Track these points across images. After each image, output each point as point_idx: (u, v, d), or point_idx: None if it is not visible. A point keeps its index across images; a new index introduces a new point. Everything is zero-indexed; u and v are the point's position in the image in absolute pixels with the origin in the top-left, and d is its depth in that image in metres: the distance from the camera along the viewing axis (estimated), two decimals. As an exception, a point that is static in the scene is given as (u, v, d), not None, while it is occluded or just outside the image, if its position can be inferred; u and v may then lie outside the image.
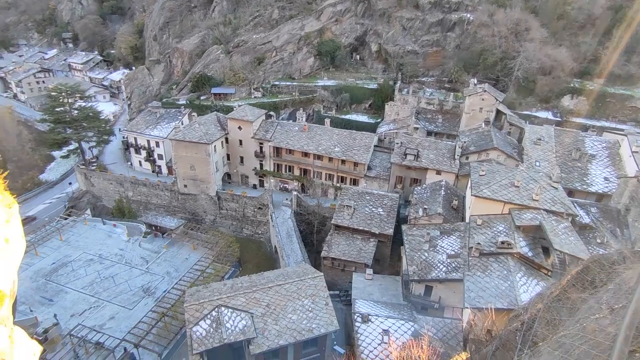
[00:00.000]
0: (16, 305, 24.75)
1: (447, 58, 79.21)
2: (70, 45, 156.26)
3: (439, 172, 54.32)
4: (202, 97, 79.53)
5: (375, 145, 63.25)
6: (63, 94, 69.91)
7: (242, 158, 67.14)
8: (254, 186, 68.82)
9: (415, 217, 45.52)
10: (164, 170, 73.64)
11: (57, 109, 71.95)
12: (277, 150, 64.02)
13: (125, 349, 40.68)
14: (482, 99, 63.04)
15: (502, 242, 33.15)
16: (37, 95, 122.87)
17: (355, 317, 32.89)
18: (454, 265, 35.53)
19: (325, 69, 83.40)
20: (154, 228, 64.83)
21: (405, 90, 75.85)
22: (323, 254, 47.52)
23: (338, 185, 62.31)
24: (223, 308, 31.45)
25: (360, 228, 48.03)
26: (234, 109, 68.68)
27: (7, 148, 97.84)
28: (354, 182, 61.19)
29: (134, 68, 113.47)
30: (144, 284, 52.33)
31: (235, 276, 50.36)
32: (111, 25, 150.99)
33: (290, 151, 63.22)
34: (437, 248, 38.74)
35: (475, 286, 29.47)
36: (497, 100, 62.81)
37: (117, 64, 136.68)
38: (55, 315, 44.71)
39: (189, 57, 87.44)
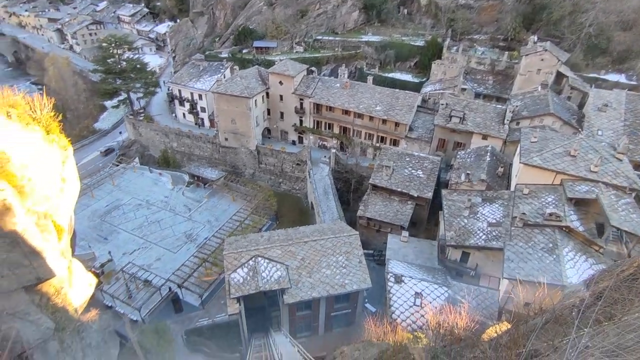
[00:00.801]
0: (75, 240, 26.91)
1: (505, 13, 72.34)
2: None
3: (485, 137, 51.51)
4: (244, 51, 78.81)
5: (418, 106, 60.59)
6: (113, 45, 71.76)
7: (282, 114, 66.97)
8: (293, 142, 69.04)
9: (456, 182, 43.99)
10: (207, 123, 75.27)
11: (107, 60, 74.25)
12: (318, 107, 63.10)
13: (170, 288, 44.04)
14: (542, 59, 57.65)
15: (550, 214, 31.38)
16: (90, 47, 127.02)
17: (389, 277, 33.21)
18: (494, 234, 34.41)
19: (370, 24, 79.25)
20: (196, 178, 67.37)
21: (455, 48, 70.84)
22: (359, 213, 47.66)
23: (377, 145, 61.06)
24: (260, 258, 32.79)
25: (399, 190, 47.30)
26: (276, 63, 67.63)
27: (65, 97, 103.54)
28: (394, 142, 59.63)
29: (178, 20, 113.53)
30: (187, 230, 55.33)
31: (271, 229, 51.92)
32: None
33: (331, 108, 62.10)
34: (478, 215, 37.50)
35: (517, 257, 28.49)
36: (559, 60, 57.21)
37: (162, 17, 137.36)
38: (109, 252, 48.83)
39: (232, 8, 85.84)
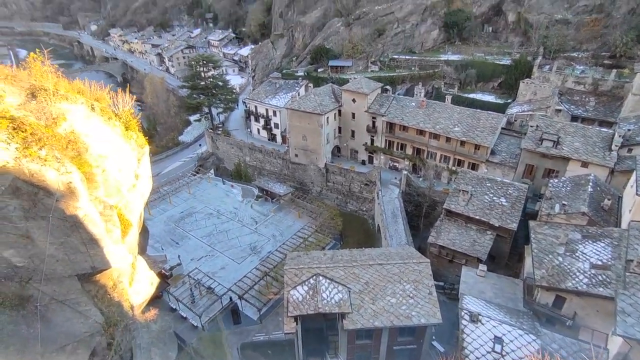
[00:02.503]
0: (147, 240, 27.25)
1: (611, 27, 64.15)
2: (211, 24, 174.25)
3: (585, 164, 44.79)
4: (319, 69, 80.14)
5: (502, 128, 55.38)
6: (200, 63, 77.76)
7: (353, 132, 65.86)
8: (363, 162, 67.26)
9: (548, 213, 38.30)
10: (279, 139, 77.00)
11: (194, 77, 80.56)
12: (391, 126, 60.87)
13: (230, 298, 44.00)
14: (660, 78, 49.34)
15: (680, 259, 25.13)
16: (183, 68, 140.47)
17: (463, 314, 29.08)
18: (600, 279, 28.60)
19: (451, 42, 75.83)
20: (265, 192, 68.59)
21: (548, 67, 64.21)
22: (430, 239, 43.75)
23: (454, 168, 56.64)
24: (321, 277, 30.94)
25: (477, 217, 42.63)
26: (350, 81, 67.28)
27: (157, 112, 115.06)
28: (473, 167, 54.77)
29: (260, 43, 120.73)
30: (252, 243, 55.82)
31: (335, 249, 50.07)
32: (244, 6, 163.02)
33: (405, 128, 59.44)
34: (577, 254, 31.75)
35: (636, 310, 22.93)
36: (683, 79, 48.49)
37: (246, 40, 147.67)
38: (179, 256, 50.78)
39: (310, 30, 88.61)
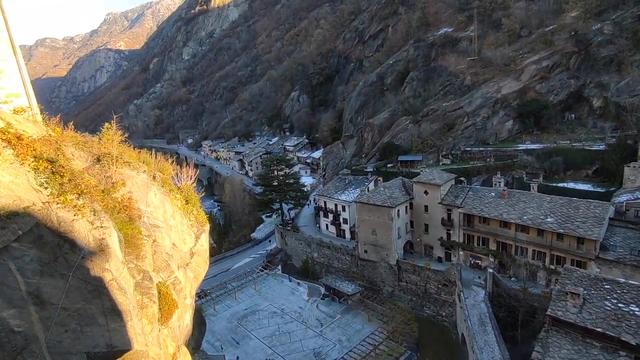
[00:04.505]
0: (203, 334, 24.33)
1: None
2: (288, 133, 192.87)
3: None
4: (388, 165, 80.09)
5: (610, 218, 46.89)
6: (273, 162, 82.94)
7: (426, 226, 61.18)
8: (439, 259, 60.69)
9: None
10: (347, 234, 74.50)
11: (269, 175, 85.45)
12: (469, 218, 55.44)
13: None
14: None
15: None
16: (261, 172, 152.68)
17: None
18: None
19: (528, 132, 72.01)
20: (332, 291, 64.12)
21: (655, 150, 56.22)
22: (535, 356, 34.54)
23: (552, 267, 47.82)
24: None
25: (598, 329, 33.30)
26: (420, 174, 65.25)
27: (233, 210, 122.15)
28: (579, 264, 45.64)
29: (330, 145, 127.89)
30: (316, 347, 50.09)
31: (411, 361, 42.28)
32: (317, 114, 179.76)
33: (485, 220, 53.59)
34: None
35: None
36: None
37: (318, 145, 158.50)
38: (237, 358, 46.56)
39: (379, 129, 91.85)
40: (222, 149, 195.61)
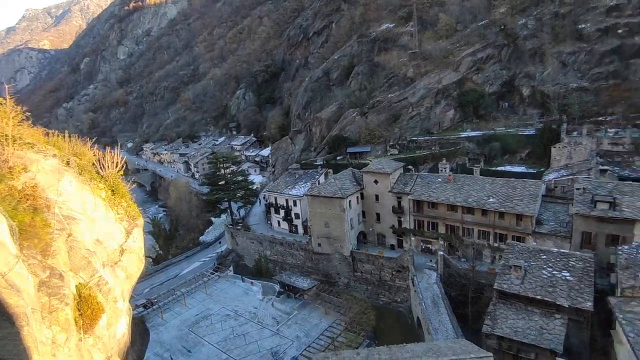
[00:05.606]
0: (146, 344, 21.70)
1: (633, 90, 62.67)
2: (235, 132, 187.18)
3: (656, 226, 38.24)
4: (338, 157, 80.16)
5: (543, 195, 50.28)
6: (220, 160, 79.54)
7: (378, 215, 61.77)
8: (392, 247, 61.59)
9: (632, 286, 31.02)
10: (300, 229, 73.33)
11: (215, 173, 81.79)
12: (418, 205, 56.73)
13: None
14: None
15: None
16: (207, 172, 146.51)
17: None
18: None
19: (468, 120, 75.72)
20: (287, 288, 62.63)
21: (576, 132, 61.54)
22: (485, 329, 35.83)
23: (496, 245, 50.29)
24: (356, 383, 24.03)
25: (538, 297, 35.27)
26: (370, 164, 65.80)
27: (180, 214, 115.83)
28: (519, 240, 48.31)
29: (279, 141, 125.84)
30: (273, 347, 48.38)
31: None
32: (264, 112, 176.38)
33: (433, 205, 55.12)
34: (693, 333, 24.07)
35: None
36: None
37: (267, 142, 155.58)
38: (189, 368, 43.60)
39: (327, 123, 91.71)
40: (166, 152, 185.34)
